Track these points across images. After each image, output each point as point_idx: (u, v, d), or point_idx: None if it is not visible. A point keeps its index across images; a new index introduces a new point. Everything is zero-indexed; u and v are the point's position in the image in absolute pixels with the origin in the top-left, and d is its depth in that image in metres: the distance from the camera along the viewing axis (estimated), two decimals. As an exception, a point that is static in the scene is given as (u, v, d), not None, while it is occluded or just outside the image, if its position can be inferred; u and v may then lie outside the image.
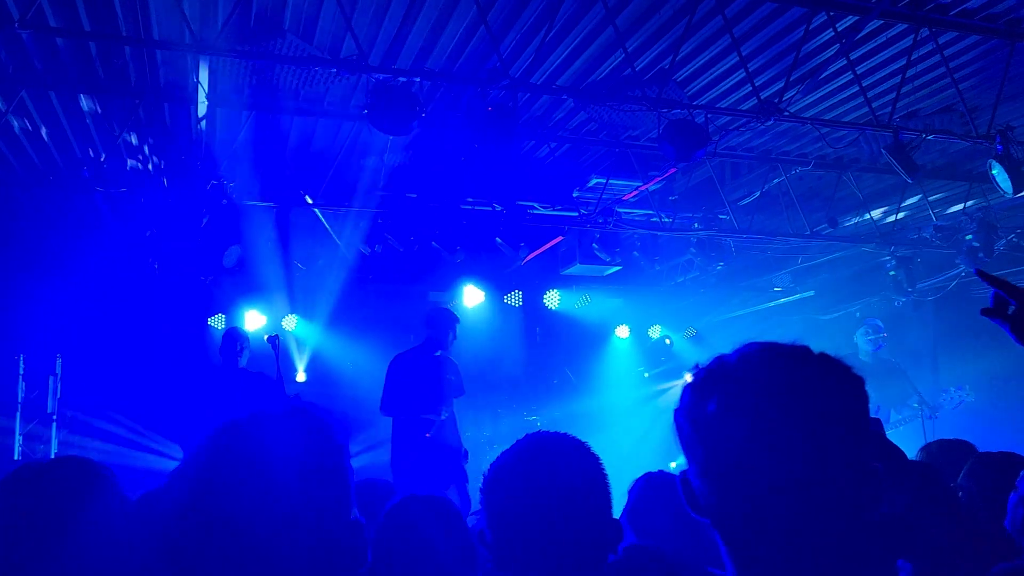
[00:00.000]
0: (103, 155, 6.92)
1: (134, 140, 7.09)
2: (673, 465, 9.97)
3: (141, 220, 7.59)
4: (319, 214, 8.02)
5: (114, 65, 5.87)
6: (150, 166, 7.14)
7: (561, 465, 1.59)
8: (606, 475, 1.64)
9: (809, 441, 1.01)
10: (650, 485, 2.81)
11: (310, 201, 7.66)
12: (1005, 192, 6.49)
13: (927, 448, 4.04)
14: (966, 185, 8.54)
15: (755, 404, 1.04)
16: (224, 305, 9.68)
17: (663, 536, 2.58)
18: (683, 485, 1.11)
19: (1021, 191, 6.42)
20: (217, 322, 9.91)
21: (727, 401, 1.05)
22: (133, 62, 5.90)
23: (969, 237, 8.74)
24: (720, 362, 1.11)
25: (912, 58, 5.80)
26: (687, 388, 1.12)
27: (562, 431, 1.69)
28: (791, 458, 1.01)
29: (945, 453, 3.82)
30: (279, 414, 1.23)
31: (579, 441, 1.67)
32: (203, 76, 5.54)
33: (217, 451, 1.17)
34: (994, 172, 6.46)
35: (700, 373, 1.12)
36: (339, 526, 1.17)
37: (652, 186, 8.37)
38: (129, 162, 7.26)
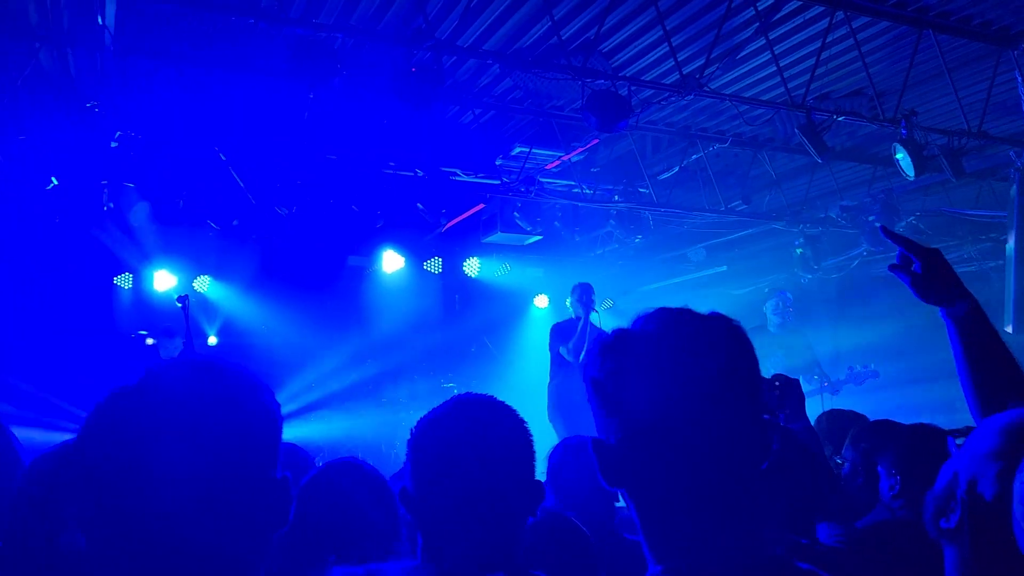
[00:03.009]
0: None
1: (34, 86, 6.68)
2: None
3: (42, 172, 7.19)
4: (233, 172, 7.76)
5: (10, 4, 5.50)
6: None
7: (487, 425, 1.59)
8: (531, 436, 1.65)
9: (715, 393, 1.05)
10: (568, 451, 2.86)
11: (224, 158, 7.40)
12: (907, 175, 6.80)
13: (824, 416, 4.24)
14: (871, 167, 8.91)
15: (660, 359, 1.07)
16: (131, 264, 9.31)
17: (583, 502, 2.63)
18: (597, 451, 1.12)
19: (922, 174, 6.73)
20: (124, 281, 9.53)
21: (635, 359, 1.09)
22: (34, 1, 5.54)
23: (871, 218, 9.13)
24: (626, 328, 1.14)
25: (827, 40, 5.97)
26: (598, 350, 1.14)
27: (483, 393, 1.69)
28: (700, 410, 1.04)
29: (837, 422, 4.02)
30: (196, 362, 1.18)
31: (504, 403, 1.68)
32: (110, 20, 5.25)
33: (126, 400, 1.12)
34: (898, 156, 6.75)
35: (608, 337, 1.15)
36: (260, 483, 1.13)
37: (574, 157, 8.42)
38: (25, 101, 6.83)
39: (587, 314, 7.26)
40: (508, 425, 1.62)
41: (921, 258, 1.82)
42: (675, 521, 1.07)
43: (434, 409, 1.63)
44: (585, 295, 7.33)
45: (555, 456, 2.82)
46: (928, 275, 1.83)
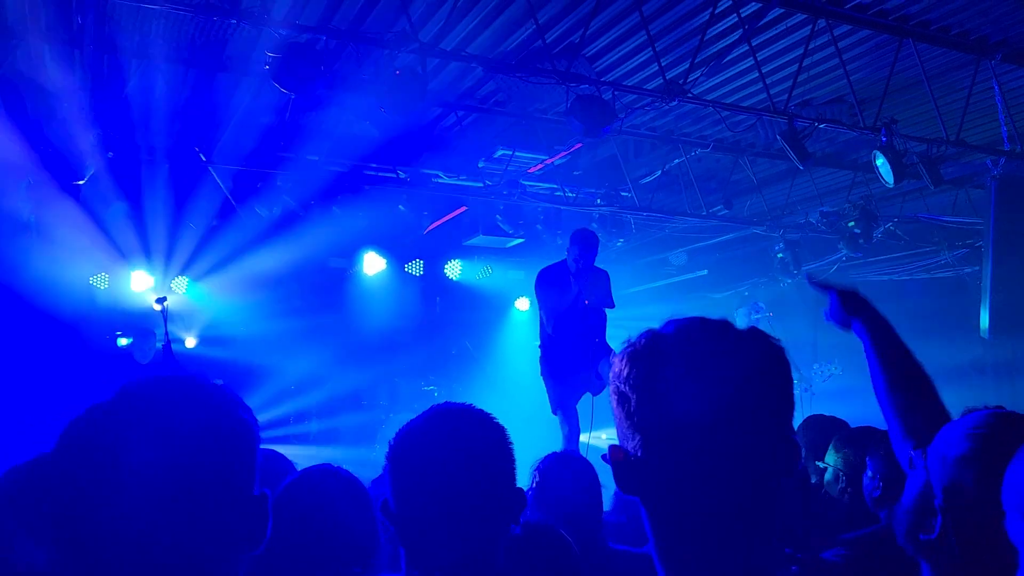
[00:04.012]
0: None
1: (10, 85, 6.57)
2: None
3: (17, 170, 7.08)
4: (213, 172, 7.69)
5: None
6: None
7: (466, 434, 1.58)
8: (511, 444, 1.65)
9: (747, 412, 1.02)
10: (555, 462, 2.85)
11: (204, 159, 7.33)
12: (887, 182, 6.86)
13: (806, 422, 4.25)
14: (851, 173, 8.99)
15: (694, 373, 1.03)
16: (108, 264, 9.19)
17: (570, 512, 2.62)
18: (614, 459, 1.09)
19: (901, 181, 6.80)
20: (100, 281, 9.41)
21: (667, 370, 1.04)
22: (10, -2, 5.47)
23: (851, 224, 9.21)
24: (659, 334, 1.09)
25: (809, 48, 6.01)
26: (631, 357, 1.08)
27: (462, 402, 1.68)
28: (729, 428, 1.01)
29: (819, 429, 4.03)
30: (173, 378, 1.17)
31: (485, 412, 1.67)
32: (89, 19, 5.18)
33: (102, 416, 1.10)
34: (878, 163, 6.81)
35: (641, 343, 1.09)
36: (237, 500, 1.12)
37: (557, 160, 8.42)
38: None
39: (579, 277, 5.90)
40: (487, 434, 1.61)
41: (832, 294, 2.04)
42: (692, 536, 1.05)
43: (412, 420, 1.62)
44: (582, 249, 5.85)
45: (542, 467, 2.81)
46: (836, 306, 2.03)
